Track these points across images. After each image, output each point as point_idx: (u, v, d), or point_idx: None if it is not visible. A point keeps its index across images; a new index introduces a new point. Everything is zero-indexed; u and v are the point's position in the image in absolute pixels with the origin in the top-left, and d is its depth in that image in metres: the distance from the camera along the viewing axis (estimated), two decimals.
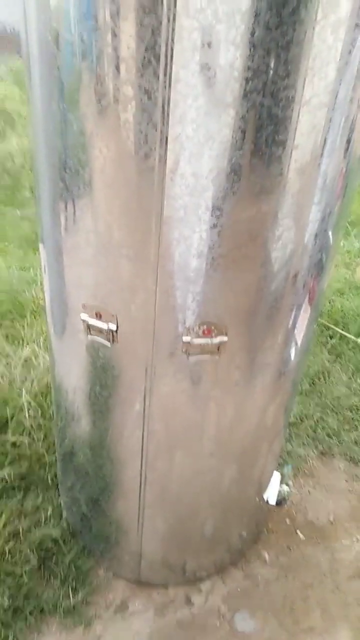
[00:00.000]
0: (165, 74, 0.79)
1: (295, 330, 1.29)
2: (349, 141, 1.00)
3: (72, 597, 1.54)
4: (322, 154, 0.94)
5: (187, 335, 1.03)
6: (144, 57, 0.78)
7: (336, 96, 0.88)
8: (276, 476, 1.77)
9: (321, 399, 2.39)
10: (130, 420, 1.27)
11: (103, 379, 1.22)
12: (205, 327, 1.03)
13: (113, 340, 1.10)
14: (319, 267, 1.20)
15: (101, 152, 0.91)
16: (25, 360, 2.26)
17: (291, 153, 0.92)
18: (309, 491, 2.03)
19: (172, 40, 0.76)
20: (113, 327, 1.07)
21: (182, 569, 1.65)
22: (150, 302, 1.01)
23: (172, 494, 1.44)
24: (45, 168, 1.04)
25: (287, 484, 2.07)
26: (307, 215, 1.04)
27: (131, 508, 1.47)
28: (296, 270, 1.14)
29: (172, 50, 0.77)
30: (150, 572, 1.63)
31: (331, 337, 2.79)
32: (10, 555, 1.57)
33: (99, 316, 1.08)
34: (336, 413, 2.33)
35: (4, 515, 1.64)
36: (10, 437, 1.90)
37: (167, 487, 1.42)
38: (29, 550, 1.59)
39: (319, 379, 2.49)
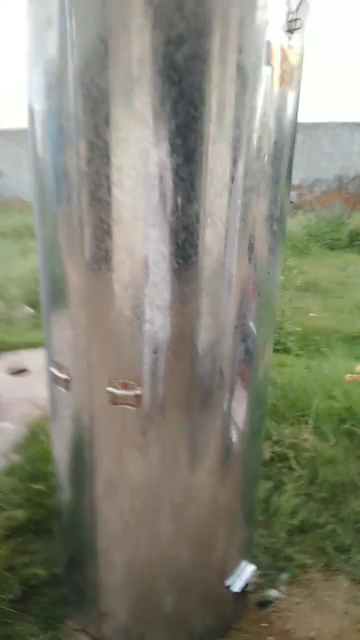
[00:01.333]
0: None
1: (232, 413, 1.47)
2: (250, 258, 1.32)
3: (37, 636, 1.74)
4: (225, 267, 1.27)
5: (110, 386, 1.34)
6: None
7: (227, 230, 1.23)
8: (248, 569, 1.79)
9: (339, 511, 2.32)
10: (82, 473, 1.54)
11: (64, 425, 1.55)
12: (125, 381, 1.33)
13: (68, 389, 1.45)
14: (246, 355, 1.43)
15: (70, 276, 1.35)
16: None
17: (201, 267, 1.24)
18: (298, 602, 1.97)
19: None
20: (67, 377, 1.43)
21: None
22: (84, 361, 1.37)
23: (130, 558, 1.58)
24: (43, 285, 1.52)
25: (277, 589, 2.05)
26: (225, 312, 1.32)
27: (95, 569, 1.65)
28: (220, 355, 1.36)
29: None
30: (112, 635, 1.76)
31: None
32: None
33: (61, 369, 1.45)
34: (353, 529, 2.24)
35: (6, 548, 1.95)
36: (38, 486, 2.26)
37: (125, 551, 1.59)
38: (17, 583, 1.86)
39: (343, 490, 2.43)
